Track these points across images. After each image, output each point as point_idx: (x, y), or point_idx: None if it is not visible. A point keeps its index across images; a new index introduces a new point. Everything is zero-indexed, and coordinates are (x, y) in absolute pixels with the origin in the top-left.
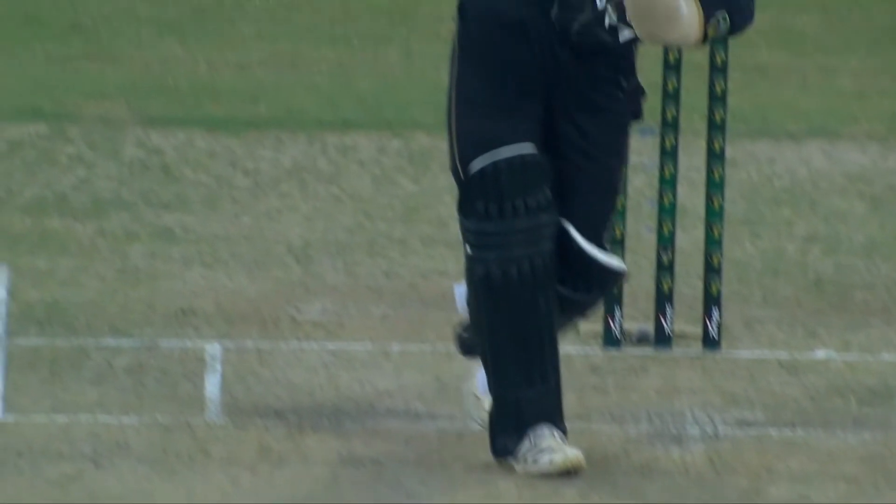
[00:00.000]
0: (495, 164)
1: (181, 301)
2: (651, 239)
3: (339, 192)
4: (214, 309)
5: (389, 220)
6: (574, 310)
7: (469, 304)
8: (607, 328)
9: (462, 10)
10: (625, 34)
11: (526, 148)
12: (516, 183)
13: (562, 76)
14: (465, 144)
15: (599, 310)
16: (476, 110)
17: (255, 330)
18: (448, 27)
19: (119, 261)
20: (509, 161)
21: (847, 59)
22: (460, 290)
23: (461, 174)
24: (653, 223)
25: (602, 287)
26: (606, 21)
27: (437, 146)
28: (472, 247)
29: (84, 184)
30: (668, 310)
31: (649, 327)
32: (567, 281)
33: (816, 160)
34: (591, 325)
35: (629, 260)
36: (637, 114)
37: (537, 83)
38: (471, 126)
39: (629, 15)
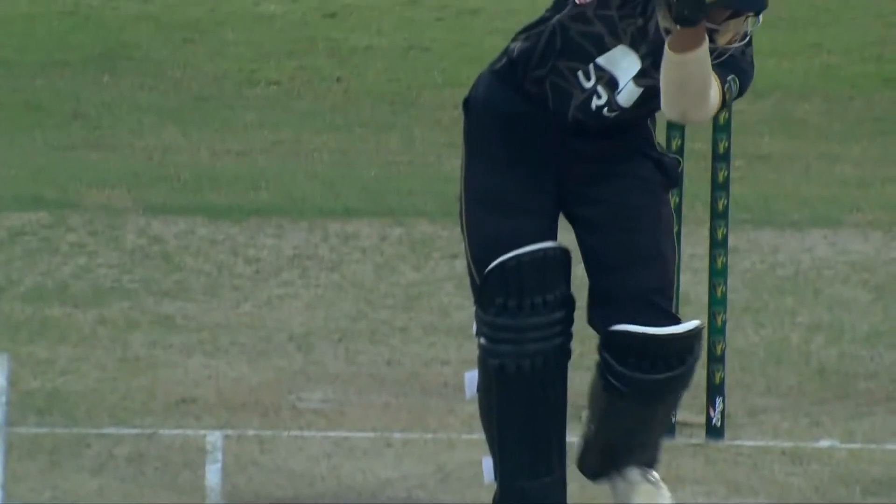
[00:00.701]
0: (518, 260)
1: (182, 390)
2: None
3: (341, 279)
4: (215, 397)
5: (391, 307)
6: (672, 388)
7: (479, 391)
8: (708, 419)
9: (467, 108)
10: (616, 106)
11: (545, 244)
12: (537, 279)
13: (573, 160)
14: (480, 244)
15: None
16: (489, 207)
17: (256, 418)
18: (449, 115)
19: (119, 349)
20: (532, 256)
21: (849, 147)
22: (470, 377)
23: (475, 271)
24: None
25: (683, 355)
26: (594, 103)
27: (439, 234)
28: (487, 339)
29: (85, 272)
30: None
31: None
32: (655, 365)
33: (819, 248)
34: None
35: None
36: (671, 181)
37: (548, 173)
38: (485, 224)
39: (663, 98)
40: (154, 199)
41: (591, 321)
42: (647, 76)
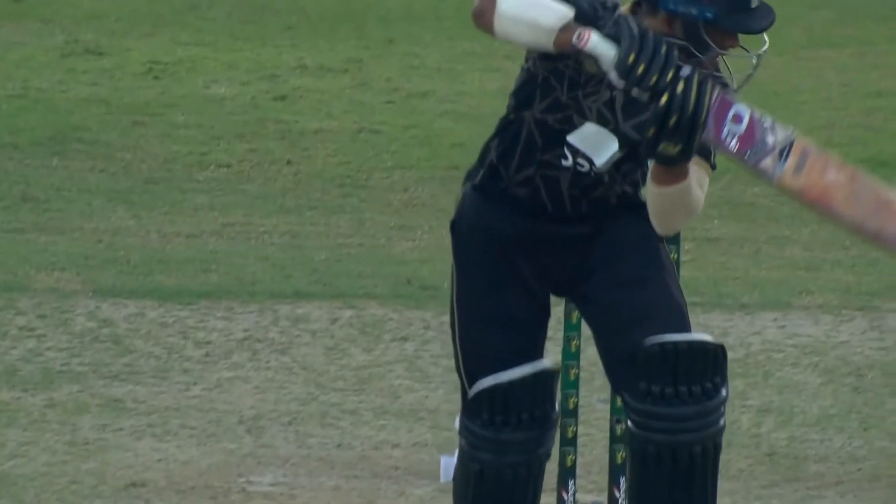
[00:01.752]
0: (511, 383)
1: (131, 473)
2: (604, 409)
3: (291, 362)
4: (165, 481)
5: (341, 390)
6: (702, 430)
7: (456, 480)
8: (560, 500)
9: (454, 229)
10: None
11: (538, 365)
12: (526, 398)
13: (567, 249)
14: (473, 360)
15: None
16: (480, 325)
17: (206, 502)
18: (399, 197)
19: (69, 432)
20: (524, 378)
21: (798, 230)
22: (446, 462)
23: (466, 382)
24: (606, 394)
25: (705, 371)
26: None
27: (390, 316)
28: (469, 444)
29: (34, 355)
30: (622, 481)
31: (603, 500)
32: (679, 394)
33: (769, 331)
34: (544, 497)
35: (582, 431)
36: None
37: (542, 277)
38: (477, 341)
39: (653, 221)
40: (104, 281)
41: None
42: (625, 144)
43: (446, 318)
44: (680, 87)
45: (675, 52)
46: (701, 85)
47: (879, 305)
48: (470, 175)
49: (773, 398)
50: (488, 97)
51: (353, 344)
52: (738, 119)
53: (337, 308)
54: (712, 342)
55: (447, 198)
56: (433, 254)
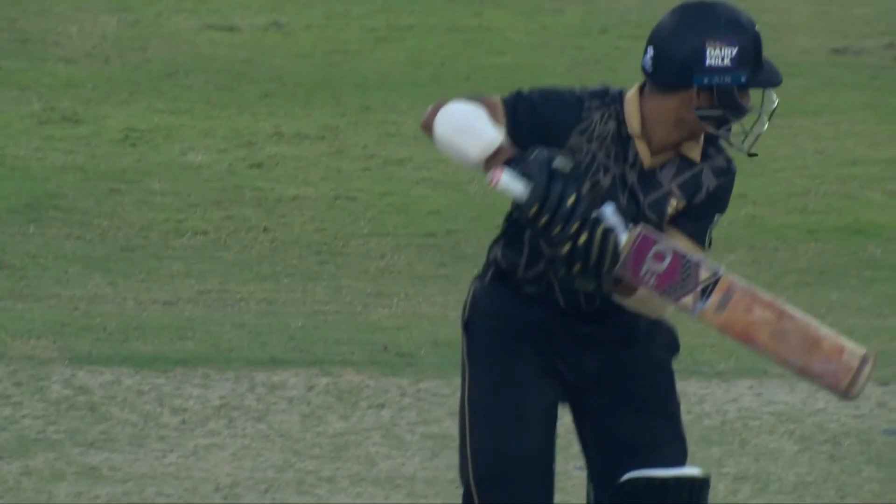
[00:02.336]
0: (513, 482)
1: None
2: (581, 477)
3: (268, 429)
4: None
5: (318, 457)
6: None
7: None
8: None
9: (467, 326)
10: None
11: (543, 462)
12: (529, 495)
13: (582, 349)
14: (483, 460)
15: None
16: (493, 421)
17: None
18: (376, 264)
19: (45, 501)
20: (526, 476)
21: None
22: None
23: (475, 486)
24: (582, 461)
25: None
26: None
27: (366, 383)
28: None
29: (9, 423)
30: None
31: None
32: None
33: (745, 399)
34: None
35: (558, 499)
36: (674, 347)
37: (555, 374)
38: (487, 440)
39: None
40: (80, 349)
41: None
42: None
43: (423, 385)
44: (583, 238)
45: (584, 198)
46: (605, 236)
47: None
48: (479, 276)
49: (749, 465)
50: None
51: (329, 411)
52: (659, 257)
53: (313, 375)
54: (700, 476)
55: (424, 265)
56: (410, 321)
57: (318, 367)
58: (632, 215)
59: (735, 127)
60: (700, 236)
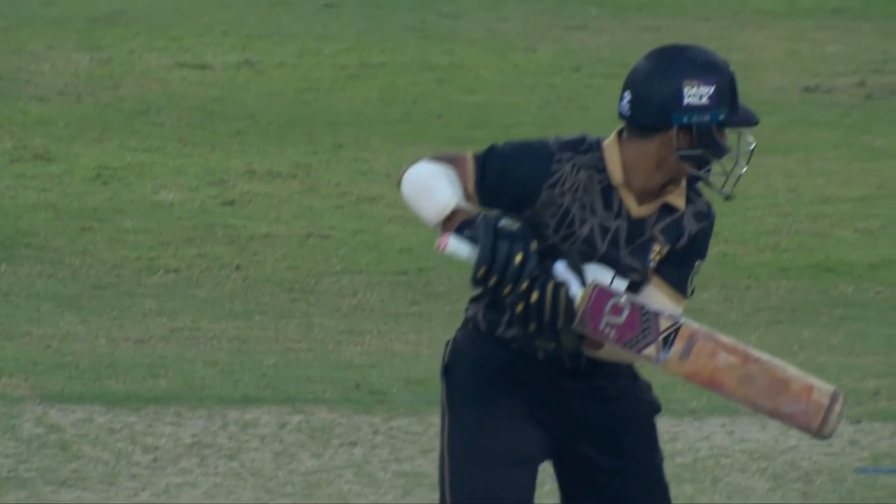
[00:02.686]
0: None
1: None
2: None
3: (240, 467)
4: None
5: (290, 495)
6: None
7: None
8: None
9: (447, 371)
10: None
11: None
12: None
13: (565, 400)
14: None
15: None
16: (473, 465)
17: None
18: (348, 302)
19: None
20: None
21: (746, 335)
22: None
23: None
24: (556, 500)
25: None
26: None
27: (338, 421)
28: None
29: None
30: None
31: None
32: None
33: (717, 437)
34: None
35: None
36: (655, 407)
37: (537, 420)
38: (467, 486)
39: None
40: (52, 387)
41: None
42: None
43: (395, 423)
44: (534, 296)
45: (532, 257)
46: (555, 292)
47: None
48: (460, 328)
49: (721, 503)
50: None
51: (301, 449)
52: (617, 310)
53: (286, 413)
54: None
55: (396, 302)
56: (382, 358)
57: (290, 404)
58: (613, 264)
59: (715, 169)
60: (681, 284)
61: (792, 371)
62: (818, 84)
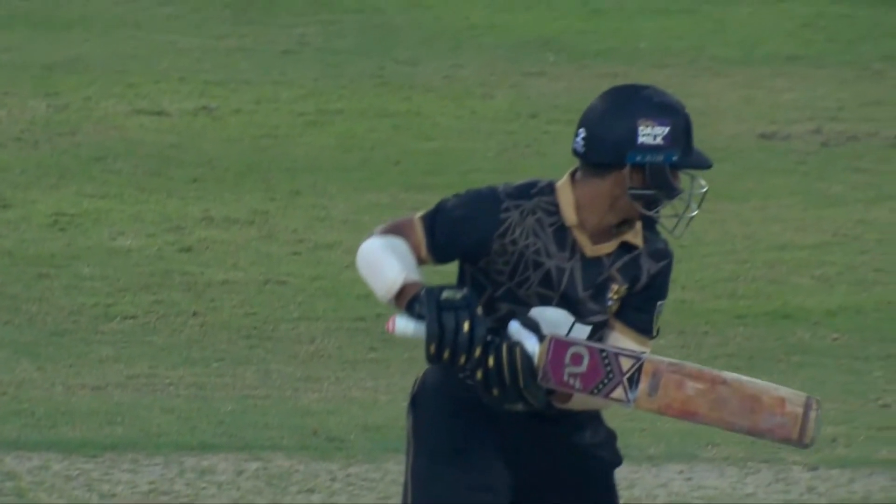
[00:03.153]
0: None
1: None
2: None
3: None
4: None
5: None
6: None
7: None
8: None
9: (414, 403)
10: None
11: None
12: None
13: (532, 444)
14: None
15: None
16: (437, 488)
17: None
18: (305, 349)
19: None
20: None
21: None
22: None
23: None
24: None
25: None
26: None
27: (296, 468)
28: None
29: None
30: None
31: None
32: None
33: (675, 484)
34: None
35: None
36: (617, 459)
37: (503, 457)
38: None
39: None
40: (7, 434)
41: None
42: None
43: (353, 470)
44: (490, 361)
45: (480, 322)
46: (510, 353)
47: (784, 458)
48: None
49: None
50: None
51: (259, 496)
52: (577, 359)
53: (243, 460)
54: None
55: (354, 349)
56: (340, 405)
57: (247, 451)
58: (572, 305)
59: (667, 211)
60: (646, 327)
61: (762, 385)
62: (774, 131)
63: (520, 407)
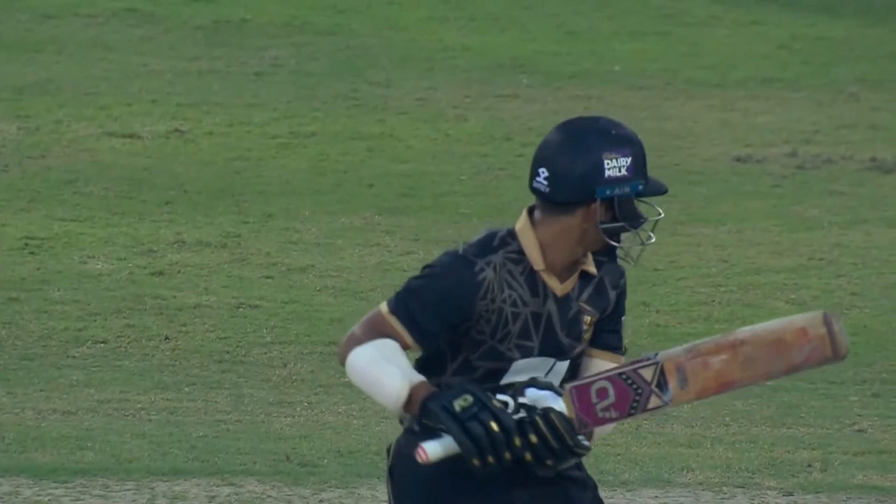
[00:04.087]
0: None
1: None
2: None
3: None
4: None
5: None
6: None
7: None
8: None
9: (392, 472)
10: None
11: None
12: None
13: (514, 490)
14: None
15: None
16: None
17: None
18: (278, 373)
19: None
20: None
21: (679, 406)
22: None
23: None
24: None
25: None
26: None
27: (268, 493)
28: None
29: None
30: None
31: None
32: None
33: None
34: None
35: None
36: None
37: None
38: None
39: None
40: None
41: None
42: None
43: (326, 495)
44: (533, 438)
45: (503, 414)
46: (546, 420)
47: (760, 482)
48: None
49: None
50: (368, 272)
51: None
52: (602, 394)
53: (215, 485)
54: None
55: (326, 373)
56: (312, 430)
57: (219, 476)
58: (554, 348)
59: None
60: (618, 345)
61: (777, 326)
62: (749, 154)
63: (573, 463)
